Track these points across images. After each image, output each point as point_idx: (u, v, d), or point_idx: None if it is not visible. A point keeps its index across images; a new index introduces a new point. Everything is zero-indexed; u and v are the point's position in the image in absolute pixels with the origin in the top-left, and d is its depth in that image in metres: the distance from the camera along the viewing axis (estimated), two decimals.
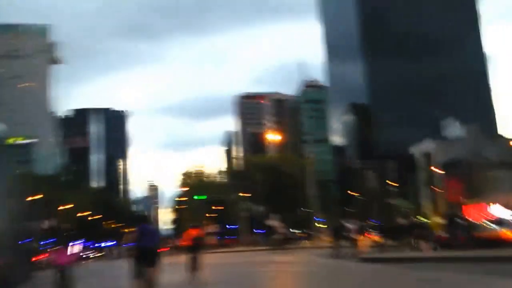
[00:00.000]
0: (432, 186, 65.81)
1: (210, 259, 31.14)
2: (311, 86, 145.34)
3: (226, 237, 71.33)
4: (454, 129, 71.82)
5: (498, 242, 23.98)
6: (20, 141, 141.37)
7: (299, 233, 61.62)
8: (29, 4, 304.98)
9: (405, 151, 75.06)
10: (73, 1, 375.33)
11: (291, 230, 57.42)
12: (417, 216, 54.63)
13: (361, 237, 29.00)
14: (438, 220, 43.85)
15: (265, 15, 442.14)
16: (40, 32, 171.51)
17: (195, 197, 70.86)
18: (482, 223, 28.63)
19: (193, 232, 18.46)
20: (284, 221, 54.94)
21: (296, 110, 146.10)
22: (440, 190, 62.89)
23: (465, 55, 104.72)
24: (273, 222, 49.03)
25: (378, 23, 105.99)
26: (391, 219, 50.77)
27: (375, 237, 31.42)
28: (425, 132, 74.28)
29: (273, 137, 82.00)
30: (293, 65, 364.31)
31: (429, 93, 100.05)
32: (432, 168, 64.85)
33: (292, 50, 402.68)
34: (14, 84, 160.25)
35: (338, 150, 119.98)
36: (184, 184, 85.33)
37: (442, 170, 62.22)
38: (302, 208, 65.11)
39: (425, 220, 52.69)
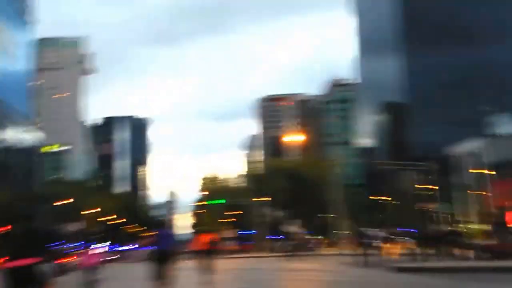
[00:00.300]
0: (476, 189, 58.74)
1: (227, 265, 30.46)
2: (337, 85, 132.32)
3: (243, 242, 70.05)
4: (504, 125, 64.11)
5: None
6: (55, 149, 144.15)
7: (319, 239, 59.46)
8: (58, 17, 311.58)
9: (442, 152, 67.82)
10: (99, 13, 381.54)
11: (310, 236, 55.35)
12: (456, 223, 50.24)
13: (388, 245, 26.87)
14: (485, 227, 40.00)
15: (288, 14, 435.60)
16: (73, 44, 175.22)
17: (213, 202, 68.86)
18: None
19: (207, 237, 18.67)
20: (304, 226, 52.88)
21: (321, 111, 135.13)
22: (486, 194, 55.89)
23: None
24: (291, 227, 47.60)
25: (417, 14, 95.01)
26: (426, 226, 46.44)
27: (407, 244, 28.57)
28: (465, 132, 66.36)
29: (294, 139, 77.60)
30: (319, 65, 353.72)
31: (471, 89, 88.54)
32: (479, 169, 57.57)
33: (318, 48, 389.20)
34: (50, 95, 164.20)
35: (366, 152, 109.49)
36: (202, 189, 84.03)
37: (491, 172, 54.73)
38: (324, 214, 61.95)
39: (466, 226, 48.14)
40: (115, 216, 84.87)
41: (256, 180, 70.59)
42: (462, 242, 25.37)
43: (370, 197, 74.91)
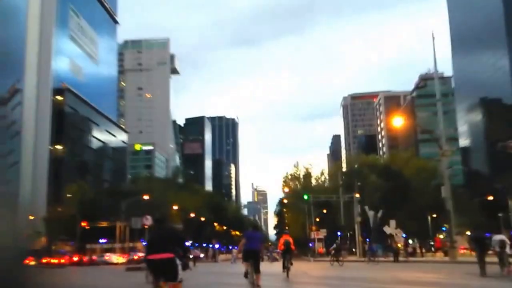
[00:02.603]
0: None
1: (323, 271, 25.82)
2: (428, 79, 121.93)
3: (331, 244, 65.61)
4: None
5: None
6: (144, 147, 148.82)
7: (421, 243, 54.37)
8: (149, 20, 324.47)
9: None
10: (182, 16, 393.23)
11: (411, 239, 50.41)
12: None
13: None
14: None
15: (371, 11, 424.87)
16: (160, 45, 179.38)
17: (304, 198, 63.71)
18: None
19: (284, 238, 20.21)
20: (404, 229, 48.18)
21: (412, 107, 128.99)
22: None
23: None
24: (388, 229, 42.93)
25: None
26: None
27: None
28: None
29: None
30: (405, 62, 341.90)
31: None
32: None
33: (404, 45, 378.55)
34: (138, 96, 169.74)
35: (465, 151, 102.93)
36: (284, 187, 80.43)
37: None
38: (427, 215, 57.75)
39: None
40: (199, 214, 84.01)
41: (343, 178, 65.83)
42: None
43: (473, 198, 67.97)
